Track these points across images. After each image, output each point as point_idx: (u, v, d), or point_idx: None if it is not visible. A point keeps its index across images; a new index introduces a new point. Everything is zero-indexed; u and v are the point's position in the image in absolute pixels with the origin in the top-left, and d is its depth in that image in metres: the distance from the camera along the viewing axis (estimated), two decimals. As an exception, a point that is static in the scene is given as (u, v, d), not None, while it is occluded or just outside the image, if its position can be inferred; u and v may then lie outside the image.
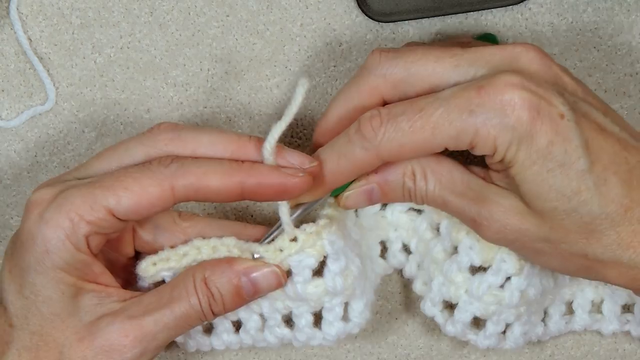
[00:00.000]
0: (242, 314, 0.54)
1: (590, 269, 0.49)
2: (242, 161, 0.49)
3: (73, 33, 0.58)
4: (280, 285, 0.51)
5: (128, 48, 0.58)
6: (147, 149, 0.50)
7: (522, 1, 0.58)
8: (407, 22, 0.58)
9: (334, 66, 0.59)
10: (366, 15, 0.58)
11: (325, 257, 0.51)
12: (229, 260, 0.50)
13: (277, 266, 0.51)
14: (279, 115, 0.59)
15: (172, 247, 0.52)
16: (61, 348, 0.49)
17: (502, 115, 0.46)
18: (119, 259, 0.54)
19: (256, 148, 0.50)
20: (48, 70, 0.58)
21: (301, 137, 0.59)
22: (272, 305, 0.53)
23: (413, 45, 0.53)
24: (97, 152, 0.52)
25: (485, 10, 0.58)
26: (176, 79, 0.59)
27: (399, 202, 0.55)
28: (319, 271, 0.52)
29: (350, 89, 0.50)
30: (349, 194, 0.51)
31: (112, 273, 0.51)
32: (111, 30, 0.58)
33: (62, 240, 0.48)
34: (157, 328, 0.49)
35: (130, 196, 0.48)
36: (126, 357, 0.49)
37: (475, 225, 0.50)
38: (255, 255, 0.51)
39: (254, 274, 0.50)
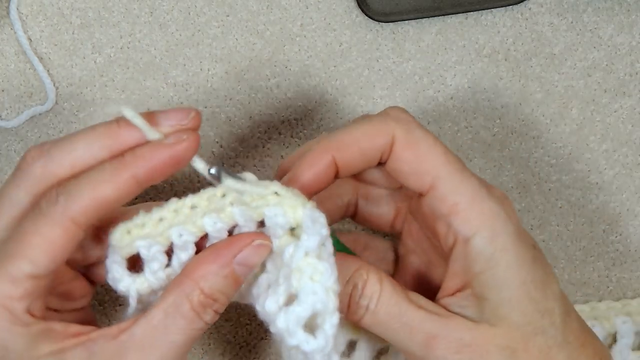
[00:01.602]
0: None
1: None
2: (123, 154, 0.45)
3: (73, 33, 0.58)
4: (269, 250, 0.46)
5: (128, 48, 0.58)
6: (26, 187, 0.45)
7: (522, 1, 0.58)
8: (407, 22, 0.58)
9: (334, 66, 0.59)
10: (366, 15, 0.58)
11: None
12: (211, 256, 0.45)
13: (256, 234, 0.46)
14: (279, 116, 0.59)
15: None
16: None
17: (502, 207, 0.46)
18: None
19: (128, 130, 0.45)
20: (48, 70, 0.58)
21: (301, 137, 0.59)
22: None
23: None
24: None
25: (485, 10, 0.58)
26: (176, 79, 0.59)
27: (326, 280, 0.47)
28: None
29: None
30: None
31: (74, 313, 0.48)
32: (111, 30, 0.58)
33: (9, 328, 0.44)
34: (163, 356, 0.44)
35: (39, 252, 0.44)
36: None
37: (430, 344, 0.46)
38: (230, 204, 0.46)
39: (243, 255, 0.45)
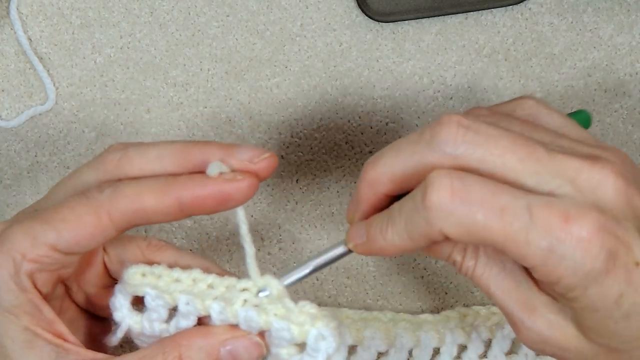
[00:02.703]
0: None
1: None
2: (180, 174, 0.46)
3: (73, 33, 0.58)
4: (261, 355, 0.46)
5: (128, 48, 0.58)
6: (97, 173, 0.47)
7: (522, 1, 0.58)
8: (407, 22, 0.58)
9: (334, 66, 0.59)
10: (366, 15, 0.58)
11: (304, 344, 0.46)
12: (204, 332, 0.46)
13: (260, 335, 0.46)
14: (279, 116, 0.59)
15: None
16: None
17: (578, 257, 0.42)
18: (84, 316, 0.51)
19: (201, 152, 0.46)
20: (48, 70, 0.58)
21: (301, 137, 0.59)
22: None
23: (488, 120, 0.46)
24: (95, 153, 0.51)
25: (485, 10, 0.58)
26: (176, 79, 0.59)
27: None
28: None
29: (404, 155, 0.44)
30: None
31: (75, 329, 0.48)
32: (111, 30, 0.58)
33: (6, 280, 0.44)
34: None
35: (69, 228, 0.45)
36: None
37: (514, 327, 0.45)
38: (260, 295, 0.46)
39: (234, 346, 0.45)
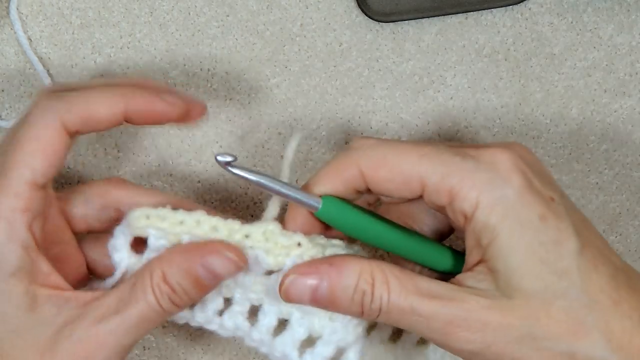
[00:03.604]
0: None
1: None
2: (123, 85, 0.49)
3: (73, 33, 0.58)
4: (240, 268, 0.47)
5: (128, 48, 0.58)
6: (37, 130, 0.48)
7: (522, 1, 0.58)
8: (407, 22, 0.58)
9: (334, 66, 0.59)
10: (366, 15, 0.58)
11: None
12: (184, 250, 0.47)
13: (234, 248, 0.47)
14: (279, 116, 0.59)
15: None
16: None
17: (493, 171, 0.43)
18: (63, 260, 0.51)
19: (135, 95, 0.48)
20: (48, 70, 0.58)
21: (300, 136, 0.59)
22: (244, 294, 0.49)
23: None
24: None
25: (485, 10, 0.58)
26: (176, 79, 0.59)
27: (345, 315, 0.48)
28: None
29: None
30: (292, 279, 0.46)
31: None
32: (111, 30, 0.58)
33: (5, 243, 0.45)
34: (118, 334, 0.46)
35: (38, 158, 0.46)
36: None
37: (449, 330, 0.44)
38: (250, 248, 0.47)
39: (211, 262, 0.46)
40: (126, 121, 0.48)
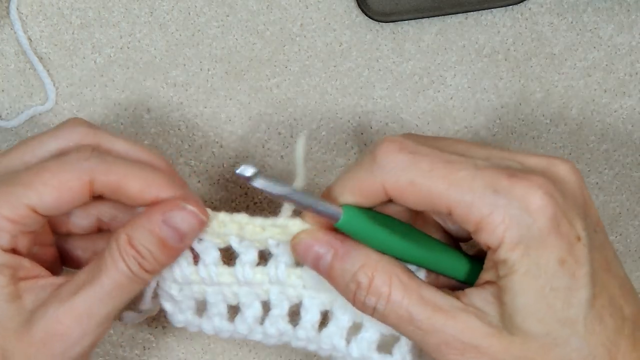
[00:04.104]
0: (243, 298, 0.49)
1: None
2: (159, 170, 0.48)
3: (73, 33, 0.58)
4: (203, 223, 0.47)
5: (128, 48, 0.58)
6: (61, 142, 0.48)
7: (522, 1, 0.58)
8: (407, 22, 0.58)
9: (334, 66, 0.59)
10: (366, 15, 0.58)
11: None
12: (146, 211, 0.47)
13: (194, 201, 0.47)
14: (279, 116, 0.59)
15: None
16: (4, 353, 0.46)
17: (523, 210, 0.43)
18: (41, 250, 0.52)
19: (168, 186, 0.47)
20: (48, 70, 0.58)
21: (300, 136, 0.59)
22: (282, 292, 0.49)
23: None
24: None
25: (485, 10, 0.58)
26: (176, 79, 0.59)
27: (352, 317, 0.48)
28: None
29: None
30: (302, 238, 0.46)
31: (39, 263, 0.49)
32: (111, 30, 0.58)
33: None
34: (91, 306, 0.45)
35: (50, 192, 0.46)
36: (68, 343, 0.46)
37: (443, 350, 0.44)
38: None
39: (171, 217, 0.46)
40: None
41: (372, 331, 0.48)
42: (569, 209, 0.44)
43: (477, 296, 0.45)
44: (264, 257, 0.48)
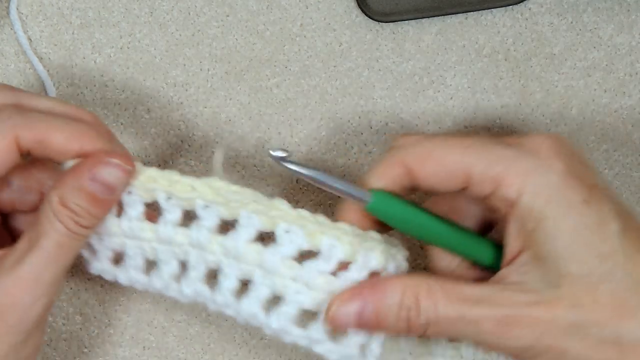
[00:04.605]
0: (161, 255, 0.49)
1: None
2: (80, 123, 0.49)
3: (73, 33, 0.58)
4: (128, 173, 0.47)
5: (128, 48, 0.58)
6: None
7: (522, 1, 0.58)
8: (407, 22, 0.58)
9: (334, 66, 0.59)
10: (366, 15, 0.58)
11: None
12: (72, 170, 0.47)
13: (120, 154, 0.47)
14: (279, 116, 0.59)
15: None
16: None
17: (536, 158, 0.45)
18: None
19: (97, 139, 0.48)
20: (48, 70, 0.58)
21: (301, 137, 0.59)
22: (201, 256, 0.48)
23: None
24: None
25: (485, 10, 0.58)
26: (176, 79, 0.59)
27: (392, 334, 0.48)
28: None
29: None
30: (337, 308, 0.46)
31: None
32: (111, 30, 0.58)
33: None
34: (37, 270, 0.46)
35: None
36: (21, 312, 0.46)
37: (499, 330, 0.45)
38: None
39: (97, 173, 0.47)
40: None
41: (292, 305, 0.47)
42: (578, 160, 0.46)
43: (511, 271, 0.46)
44: (189, 218, 0.48)
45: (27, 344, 0.47)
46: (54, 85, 0.58)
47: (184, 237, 0.48)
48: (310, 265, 0.47)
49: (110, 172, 0.47)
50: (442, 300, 0.45)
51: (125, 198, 0.48)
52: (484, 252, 0.49)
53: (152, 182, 0.48)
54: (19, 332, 0.46)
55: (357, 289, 0.46)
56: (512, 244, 0.46)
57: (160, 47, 0.58)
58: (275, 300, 0.48)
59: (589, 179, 0.45)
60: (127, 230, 0.49)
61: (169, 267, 0.49)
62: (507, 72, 0.59)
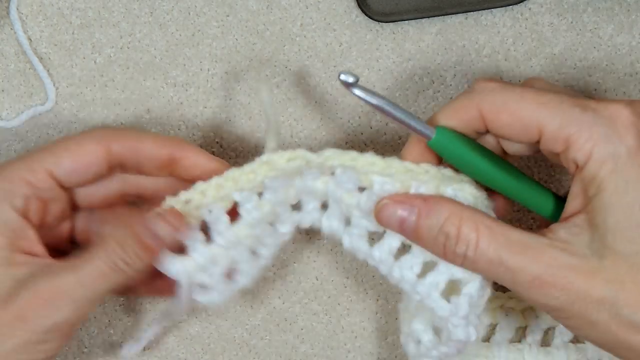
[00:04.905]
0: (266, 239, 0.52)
1: None
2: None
3: (73, 33, 0.58)
4: (176, 229, 0.49)
5: (128, 48, 0.58)
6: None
7: (522, 1, 0.58)
8: (407, 22, 0.58)
9: (334, 66, 0.59)
10: (366, 15, 0.58)
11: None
12: (129, 224, 0.50)
13: (175, 212, 0.49)
14: (279, 115, 0.59)
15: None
16: None
17: (610, 127, 0.45)
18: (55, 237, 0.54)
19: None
20: (48, 70, 0.58)
21: (301, 137, 0.59)
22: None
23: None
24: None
25: (485, 10, 0.58)
26: (176, 79, 0.59)
27: (428, 253, 0.49)
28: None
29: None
30: (385, 203, 0.48)
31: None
32: (111, 30, 0.58)
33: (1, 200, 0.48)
34: (71, 287, 0.48)
35: (69, 155, 0.49)
36: (38, 316, 0.48)
37: (534, 285, 0.46)
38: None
39: (151, 224, 0.49)
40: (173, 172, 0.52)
41: (359, 228, 0.50)
42: None
43: (563, 229, 0.46)
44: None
45: (39, 348, 0.48)
46: (54, 85, 0.58)
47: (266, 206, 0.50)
48: (367, 195, 0.49)
49: (161, 227, 0.49)
50: (486, 237, 0.46)
51: (208, 217, 0.50)
52: (544, 203, 0.49)
53: (220, 189, 0.50)
54: (36, 333, 0.48)
55: (412, 197, 0.48)
56: (572, 203, 0.46)
57: (160, 47, 0.58)
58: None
59: None
60: (232, 240, 0.51)
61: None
62: (507, 72, 0.59)
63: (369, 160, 0.49)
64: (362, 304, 0.60)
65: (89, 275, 0.48)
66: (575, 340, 0.56)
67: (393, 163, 0.49)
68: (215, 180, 0.50)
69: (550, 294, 0.45)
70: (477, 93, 0.48)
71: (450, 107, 0.49)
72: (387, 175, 0.48)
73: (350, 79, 0.46)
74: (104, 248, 0.49)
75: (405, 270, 0.49)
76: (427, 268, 0.49)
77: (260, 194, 0.50)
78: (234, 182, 0.50)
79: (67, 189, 0.51)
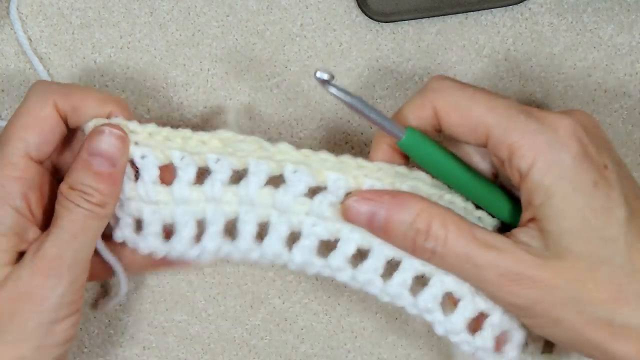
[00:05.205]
0: (179, 217, 0.49)
1: (603, 344, 0.45)
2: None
3: (73, 33, 0.58)
4: (124, 140, 0.48)
5: (128, 48, 0.58)
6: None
7: (522, 1, 0.58)
8: (407, 22, 0.58)
9: (334, 66, 0.59)
10: (366, 15, 0.58)
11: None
12: (75, 157, 0.49)
13: (110, 123, 0.49)
14: (279, 116, 0.59)
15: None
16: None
17: (553, 135, 0.45)
18: None
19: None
20: (48, 70, 0.58)
21: (301, 137, 0.59)
22: (218, 209, 0.49)
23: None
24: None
25: (485, 10, 0.58)
26: (176, 79, 0.59)
27: (390, 252, 0.49)
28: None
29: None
30: (352, 202, 0.48)
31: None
32: (111, 30, 0.58)
33: (1, 205, 0.48)
34: (56, 251, 0.47)
35: (31, 129, 0.48)
36: (45, 292, 0.47)
37: (500, 282, 0.46)
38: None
39: (90, 145, 0.48)
40: None
41: (311, 238, 0.49)
42: (594, 140, 0.46)
43: (522, 233, 0.47)
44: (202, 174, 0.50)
45: (55, 328, 0.48)
46: (54, 85, 0.58)
47: (199, 194, 0.49)
48: (320, 198, 0.49)
49: (103, 140, 0.48)
50: (454, 233, 0.47)
51: (140, 162, 0.49)
52: (505, 208, 0.50)
53: (166, 141, 0.49)
54: (46, 311, 0.47)
55: (379, 193, 0.48)
56: (525, 211, 0.47)
57: (160, 47, 0.58)
58: (294, 237, 0.49)
59: (602, 160, 0.46)
60: (143, 194, 0.49)
61: (188, 228, 0.50)
62: (507, 72, 0.59)
63: (322, 157, 0.49)
64: (362, 304, 0.60)
65: (66, 230, 0.47)
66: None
67: (345, 160, 0.49)
68: (166, 130, 0.49)
69: (515, 292, 0.46)
70: (431, 91, 0.48)
71: (408, 105, 0.49)
72: (339, 171, 0.49)
73: (325, 77, 0.46)
74: (65, 200, 0.48)
75: (370, 273, 0.49)
76: (391, 268, 0.49)
77: (203, 173, 0.49)
78: (182, 140, 0.49)
79: (42, 163, 0.50)
